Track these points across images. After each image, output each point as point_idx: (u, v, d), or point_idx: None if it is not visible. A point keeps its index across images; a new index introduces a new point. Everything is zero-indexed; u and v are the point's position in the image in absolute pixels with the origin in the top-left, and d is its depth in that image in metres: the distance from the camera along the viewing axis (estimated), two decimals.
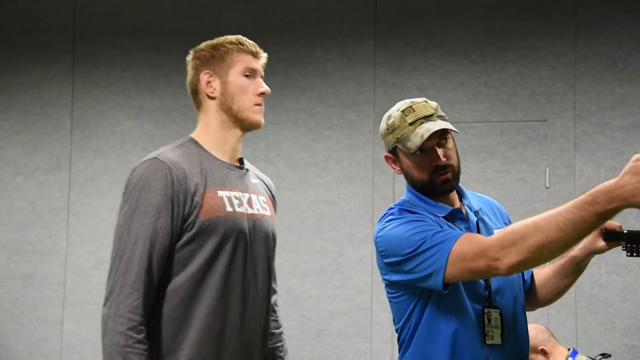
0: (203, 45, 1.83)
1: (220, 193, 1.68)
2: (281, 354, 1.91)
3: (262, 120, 1.79)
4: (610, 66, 4.04)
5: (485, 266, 1.51)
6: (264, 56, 1.84)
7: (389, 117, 1.75)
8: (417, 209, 1.71)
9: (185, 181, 1.64)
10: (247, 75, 1.77)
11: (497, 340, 1.66)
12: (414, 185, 1.74)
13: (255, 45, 1.83)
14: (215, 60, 1.78)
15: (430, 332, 1.65)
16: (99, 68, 4.86)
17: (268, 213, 1.82)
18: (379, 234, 1.70)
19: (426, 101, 1.73)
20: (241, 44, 1.79)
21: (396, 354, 4.37)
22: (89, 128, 4.84)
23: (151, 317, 1.62)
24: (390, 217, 1.70)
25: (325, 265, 4.35)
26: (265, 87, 1.78)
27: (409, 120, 1.69)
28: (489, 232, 1.74)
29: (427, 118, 1.69)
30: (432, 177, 1.69)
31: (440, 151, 1.68)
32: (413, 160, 1.70)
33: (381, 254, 1.70)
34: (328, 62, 4.47)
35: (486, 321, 1.65)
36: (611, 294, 3.93)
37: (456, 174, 1.73)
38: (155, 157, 1.68)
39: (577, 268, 1.81)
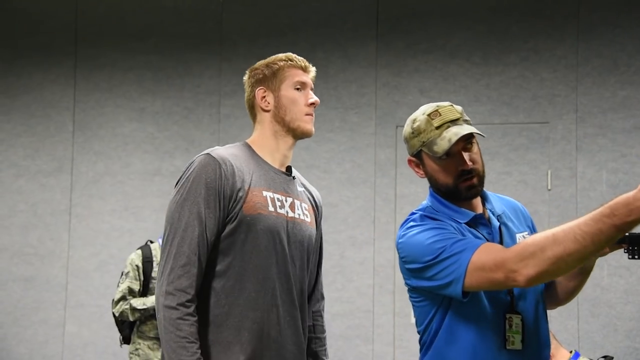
0: (257, 64, 1.98)
1: (264, 193, 1.83)
2: (323, 357, 2.05)
3: (313, 129, 1.94)
4: (612, 68, 4.04)
5: (503, 278, 1.52)
6: (313, 70, 1.98)
7: (414, 120, 1.74)
8: (439, 214, 1.72)
9: (233, 177, 1.79)
10: (297, 89, 1.92)
11: (518, 345, 1.67)
12: (438, 189, 1.74)
13: (305, 60, 1.97)
14: (268, 76, 1.93)
15: (450, 337, 1.67)
16: (100, 70, 4.86)
17: (309, 219, 1.95)
18: (400, 240, 1.71)
19: (452, 105, 1.74)
20: (291, 60, 1.95)
21: (397, 356, 4.37)
22: (91, 130, 4.85)
23: (199, 298, 1.76)
24: (411, 224, 1.71)
25: (327, 268, 4.35)
26: (315, 98, 1.92)
27: (436, 124, 1.70)
28: (512, 237, 1.75)
29: (454, 122, 1.70)
30: (458, 182, 1.69)
31: (466, 155, 1.68)
32: (439, 164, 1.70)
33: (403, 259, 1.71)
34: (330, 65, 4.47)
35: (507, 327, 1.66)
36: (613, 296, 3.92)
37: (481, 178, 1.72)
38: (208, 153, 1.83)
39: (582, 270, 1.81)
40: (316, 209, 2.03)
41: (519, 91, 4.16)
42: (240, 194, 1.79)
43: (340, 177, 4.40)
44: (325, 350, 2.07)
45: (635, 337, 3.88)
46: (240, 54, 4.60)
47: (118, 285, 3.50)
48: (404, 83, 4.35)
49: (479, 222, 1.72)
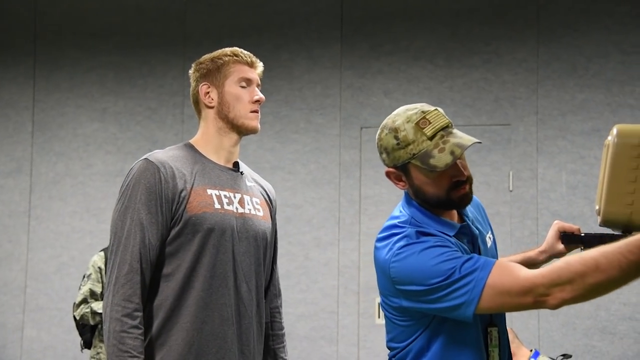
0: (203, 58, 1.95)
1: (209, 191, 1.81)
2: (282, 355, 2.02)
3: (258, 126, 1.90)
4: (571, 72, 4.12)
5: (532, 302, 1.45)
6: (260, 66, 1.95)
7: (397, 129, 1.57)
8: (427, 228, 1.59)
9: (174, 179, 1.77)
10: (242, 85, 1.89)
11: (497, 358, 1.63)
12: (426, 201, 1.60)
13: (251, 55, 1.94)
14: (212, 72, 1.91)
15: (435, 358, 1.58)
16: (61, 70, 4.77)
17: (261, 213, 1.91)
18: (394, 260, 1.55)
19: (437, 109, 1.59)
20: (236, 55, 1.92)
21: (362, 357, 4.38)
22: (51, 131, 4.76)
23: (146, 304, 1.75)
24: (405, 242, 1.55)
25: (292, 269, 4.35)
26: (260, 95, 1.89)
27: (428, 134, 1.54)
28: (484, 242, 1.70)
29: (445, 130, 1.56)
30: (451, 192, 1.57)
31: (460, 164, 1.58)
32: (431, 176, 1.56)
33: (395, 280, 1.56)
34: (294, 66, 4.47)
35: (489, 341, 1.61)
36: None
37: (471, 186, 1.62)
38: (146, 158, 1.82)
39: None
40: (269, 203, 2.00)
41: (482, 93, 4.21)
42: (182, 195, 1.77)
43: (305, 178, 4.40)
44: (283, 347, 2.04)
45: (592, 335, 3.96)
46: (204, 55, 4.55)
47: (80, 288, 3.44)
48: (368, 85, 4.37)
49: (462, 232, 1.64)
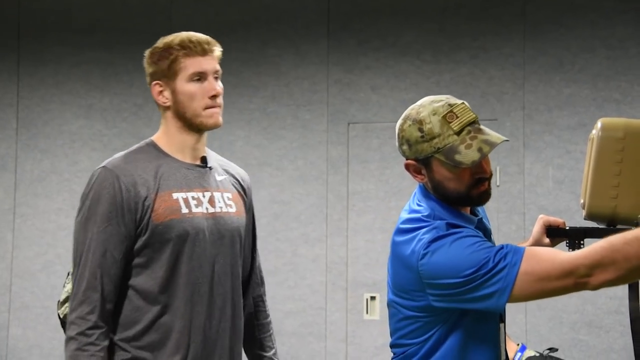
0: (154, 48, 1.80)
1: (175, 195, 1.71)
2: (269, 344, 1.97)
3: (219, 121, 1.80)
4: (558, 67, 4.14)
5: (573, 284, 1.42)
6: (217, 50, 1.80)
7: (422, 121, 1.53)
8: (453, 221, 1.56)
9: (135, 187, 1.68)
10: (196, 79, 1.76)
11: (504, 356, 1.63)
12: (445, 196, 1.57)
13: (204, 42, 1.77)
14: (163, 69, 1.76)
15: (452, 355, 1.56)
16: (45, 66, 4.73)
17: (234, 209, 1.82)
18: (424, 254, 1.49)
19: (463, 103, 1.58)
20: (185, 47, 1.75)
21: (350, 353, 4.37)
22: (36, 127, 4.71)
23: (116, 317, 1.69)
24: (436, 234, 1.50)
25: (279, 265, 4.34)
26: (216, 89, 1.77)
27: (455, 128, 1.52)
28: (489, 237, 1.69)
29: (472, 125, 1.54)
30: (472, 189, 1.55)
31: (485, 162, 1.56)
32: (454, 172, 1.53)
33: (422, 274, 1.50)
34: (281, 61, 4.45)
35: (499, 337, 1.61)
36: None
37: (490, 183, 1.60)
38: (104, 166, 1.71)
39: None
40: (243, 193, 1.92)
41: (469, 88, 4.22)
42: (146, 203, 1.67)
43: (292, 175, 4.39)
44: (270, 336, 1.99)
45: (579, 330, 3.98)
46: None
47: (64, 286, 3.41)
48: (356, 80, 4.36)
49: (478, 226, 1.63)
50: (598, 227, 1.73)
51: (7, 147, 4.71)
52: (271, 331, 2.00)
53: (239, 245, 1.83)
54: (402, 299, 1.59)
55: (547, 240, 1.80)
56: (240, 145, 4.44)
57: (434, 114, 1.53)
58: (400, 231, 1.58)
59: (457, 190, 1.55)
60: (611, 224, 1.66)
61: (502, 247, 1.46)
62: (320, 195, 4.34)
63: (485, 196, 1.58)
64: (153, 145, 1.79)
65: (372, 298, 4.22)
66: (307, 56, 4.43)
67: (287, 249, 4.34)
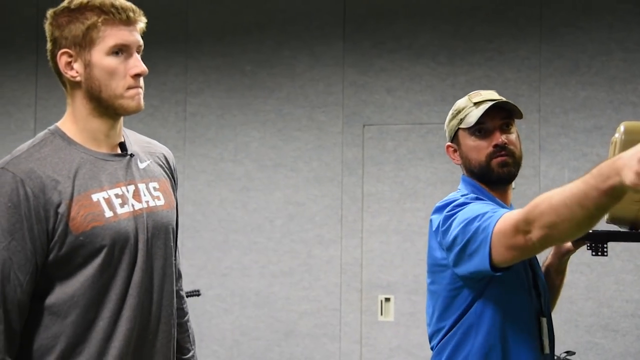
0: (61, 8, 1.47)
1: (95, 197, 1.42)
2: (188, 345, 1.71)
3: (141, 104, 1.48)
4: (574, 69, 4.12)
5: (523, 241, 1.41)
6: (141, 20, 1.48)
7: (455, 104, 1.77)
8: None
9: (44, 192, 1.37)
10: (116, 52, 1.43)
11: (547, 349, 1.66)
12: (472, 171, 1.70)
13: (129, 9, 1.45)
14: (75, 35, 1.43)
15: (486, 341, 1.59)
16: None
17: (162, 201, 1.55)
18: (447, 220, 1.60)
19: (494, 92, 1.76)
20: (106, 11, 1.42)
21: (364, 354, 4.38)
22: None
23: (26, 344, 1.41)
24: (460, 202, 1.62)
25: (294, 266, 4.35)
26: (140, 67, 1.45)
27: (475, 101, 1.70)
28: None
29: (493, 101, 1.70)
30: (490, 159, 1.66)
31: (501, 136, 1.67)
32: (473, 140, 1.68)
33: (443, 239, 1.60)
34: (296, 63, 4.47)
35: (541, 330, 1.65)
36: (575, 293, 4.00)
37: (516, 160, 1.68)
38: (3, 167, 1.39)
39: (558, 270, 1.85)
40: (170, 175, 1.64)
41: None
42: (60, 210, 1.37)
43: (307, 176, 4.41)
44: (188, 336, 1.71)
45: (595, 333, 3.97)
46: (206, 52, 4.56)
47: None
48: (371, 82, 4.37)
49: None
50: (620, 231, 1.72)
51: None
52: (189, 331, 1.72)
53: (172, 244, 1.57)
54: (435, 275, 1.66)
55: (569, 243, 1.80)
56: (255, 146, 4.46)
57: (464, 97, 1.75)
58: (434, 210, 1.69)
59: (479, 161, 1.67)
60: (634, 228, 1.66)
61: (496, 210, 1.54)
62: (335, 197, 4.35)
63: (505, 168, 1.66)
64: (60, 135, 1.47)
65: (387, 300, 4.22)
66: (322, 58, 4.44)
67: (301, 250, 4.36)
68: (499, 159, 1.65)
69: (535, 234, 1.38)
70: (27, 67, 4.80)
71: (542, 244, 1.41)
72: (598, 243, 1.72)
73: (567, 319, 4.00)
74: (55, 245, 1.39)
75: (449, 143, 1.76)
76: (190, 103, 4.60)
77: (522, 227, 1.40)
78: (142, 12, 1.49)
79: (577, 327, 4.00)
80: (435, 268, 1.66)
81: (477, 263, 1.50)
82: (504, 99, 1.70)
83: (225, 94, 4.56)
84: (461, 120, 1.70)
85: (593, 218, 1.29)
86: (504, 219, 1.48)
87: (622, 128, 1.61)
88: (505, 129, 1.69)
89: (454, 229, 1.56)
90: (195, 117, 4.59)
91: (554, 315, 4.39)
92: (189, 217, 4.47)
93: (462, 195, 1.67)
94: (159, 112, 4.64)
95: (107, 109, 1.46)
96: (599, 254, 1.70)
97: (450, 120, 1.75)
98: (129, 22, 1.44)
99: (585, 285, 4.01)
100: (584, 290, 4.01)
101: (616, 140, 1.63)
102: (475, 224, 1.51)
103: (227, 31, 4.54)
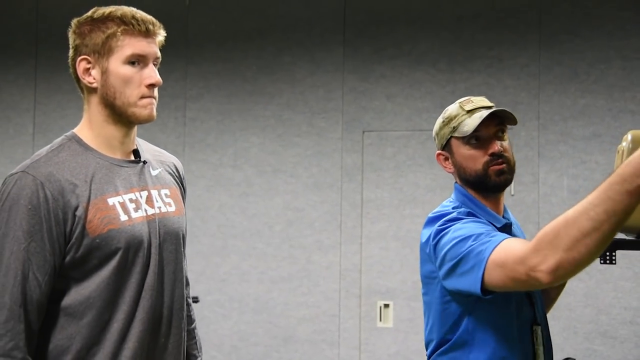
0: (85, 17, 1.56)
1: (111, 201, 1.47)
2: (195, 352, 1.74)
3: (154, 114, 1.54)
4: (573, 77, 4.14)
5: (525, 273, 1.34)
6: (160, 34, 1.56)
7: (445, 111, 1.73)
8: (475, 212, 1.65)
9: (63, 195, 1.42)
10: (133, 63, 1.50)
11: (542, 358, 1.64)
12: (467, 181, 1.67)
13: (149, 21, 1.52)
14: (95, 43, 1.50)
15: (479, 351, 1.58)
16: (62, 72, 4.74)
17: (173, 208, 1.60)
18: (438, 235, 1.58)
19: (484, 98, 1.74)
20: (126, 22, 1.49)
21: None
22: (52, 133, 4.75)
23: (41, 345, 1.45)
24: (452, 218, 1.60)
25: (293, 272, 4.35)
26: (155, 78, 1.53)
27: (467, 109, 1.68)
28: None
29: (487, 109, 1.68)
30: (488, 167, 1.64)
31: (497, 142, 1.66)
32: (468, 149, 1.66)
33: (435, 254, 1.59)
34: (297, 69, 4.48)
35: (534, 339, 1.63)
36: (573, 300, 4.01)
37: (511, 168, 1.68)
38: (24, 171, 1.44)
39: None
40: (180, 183, 1.69)
41: None
42: (77, 213, 1.42)
43: (306, 182, 4.41)
44: (196, 343, 1.74)
45: (594, 340, 3.97)
46: (207, 58, 4.57)
47: None
48: (371, 88, 4.38)
49: (506, 230, 1.67)
50: (628, 239, 1.73)
51: (23, 152, 4.75)
52: (197, 337, 1.76)
53: (182, 249, 1.61)
54: (427, 286, 1.66)
55: None
56: (255, 152, 4.46)
57: (455, 104, 1.73)
58: (425, 223, 1.68)
59: (475, 170, 1.65)
60: None
61: (494, 235, 1.50)
62: (335, 203, 4.36)
63: (502, 176, 1.65)
64: (77, 141, 1.52)
65: (386, 306, 4.22)
66: (323, 64, 4.45)
67: (300, 256, 4.36)
68: (496, 167, 1.65)
69: (548, 263, 1.29)
70: (26, 72, 4.80)
71: (553, 273, 1.30)
72: (607, 251, 1.72)
73: (566, 326, 4.01)
74: (73, 247, 1.43)
75: (440, 151, 1.74)
76: (190, 108, 4.60)
77: (529, 259, 1.33)
78: (161, 26, 1.55)
79: (575, 334, 4.00)
80: (427, 280, 1.67)
81: (467, 284, 1.49)
82: (499, 108, 1.69)
83: (225, 100, 4.56)
84: (454, 128, 1.67)
85: (619, 225, 1.25)
86: (505, 249, 1.42)
87: (629, 137, 1.61)
88: (500, 135, 1.68)
89: (445, 245, 1.55)
90: (195, 122, 4.59)
91: (552, 322, 4.40)
92: (187, 223, 4.44)
93: (453, 208, 1.65)
94: (158, 117, 4.61)
95: (120, 116, 1.52)
96: (607, 262, 1.70)
97: (442, 128, 1.71)
98: (147, 33, 1.52)
99: (583, 292, 4.02)
100: (583, 297, 4.02)
101: (623, 149, 1.63)
102: (469, 244, 1.49)
103: (227, 37, 4.54)
